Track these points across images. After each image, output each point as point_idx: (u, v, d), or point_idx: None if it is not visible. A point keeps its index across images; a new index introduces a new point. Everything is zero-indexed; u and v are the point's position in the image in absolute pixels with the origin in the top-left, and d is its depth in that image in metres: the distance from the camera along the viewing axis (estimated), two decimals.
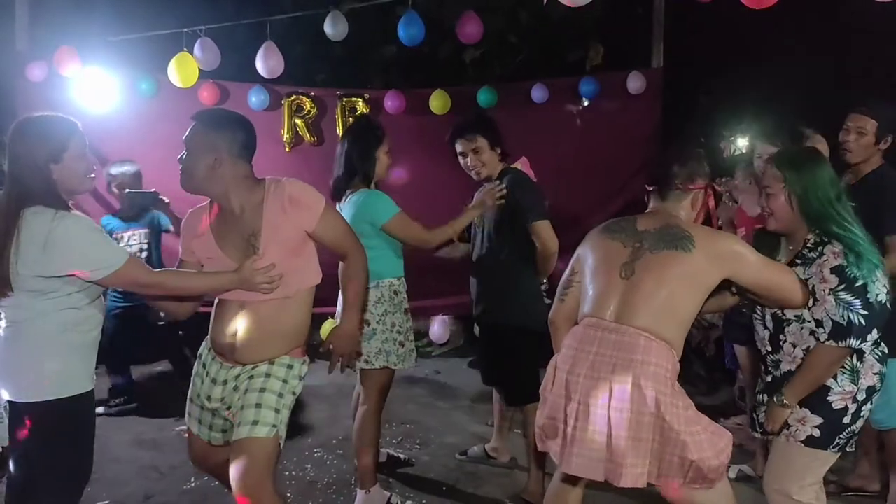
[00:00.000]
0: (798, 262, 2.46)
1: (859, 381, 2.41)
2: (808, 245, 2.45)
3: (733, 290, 2.54)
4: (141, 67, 5.41)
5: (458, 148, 3.59)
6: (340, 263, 2.82)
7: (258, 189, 2.53)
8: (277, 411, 2.52)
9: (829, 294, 2.35)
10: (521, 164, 3.67)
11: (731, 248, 2.40)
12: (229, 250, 2.54)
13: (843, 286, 2.33)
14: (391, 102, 5.65)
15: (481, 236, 3.61)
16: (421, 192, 3.95)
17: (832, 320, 2.35)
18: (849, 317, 2.32)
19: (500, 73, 6.92)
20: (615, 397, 2.25)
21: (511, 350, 3.53)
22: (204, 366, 2.67)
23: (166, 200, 4.44)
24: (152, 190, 4.44)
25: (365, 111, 5.64)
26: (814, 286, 2.39)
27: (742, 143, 8.83)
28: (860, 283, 2.32)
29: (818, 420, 2.41)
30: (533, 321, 3.43)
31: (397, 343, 3.43)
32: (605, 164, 5.84)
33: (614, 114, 5.90)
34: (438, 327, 6.04)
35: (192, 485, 3.72)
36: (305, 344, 2.70)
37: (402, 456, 4.10)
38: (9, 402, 2.45)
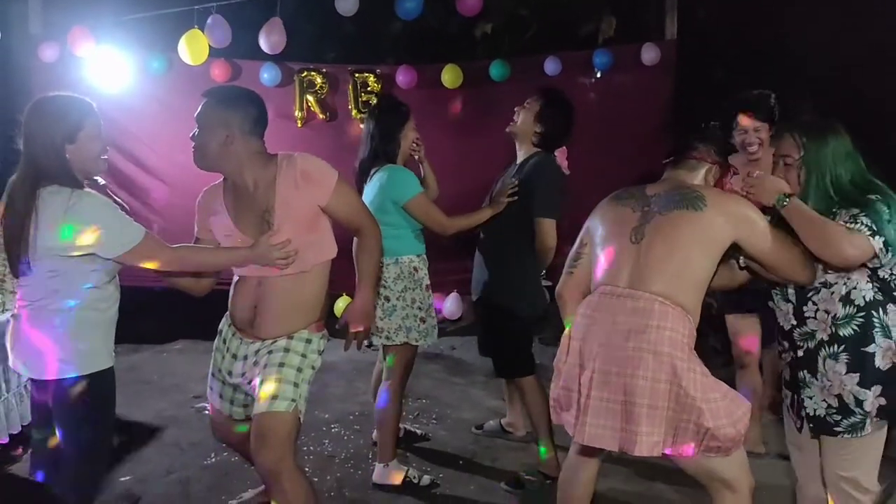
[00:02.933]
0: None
1: (893, 334, 2.33)
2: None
3: (741, 262, 2.49)
4: (153, 46, 5.41)
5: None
6: (354, 240, 2.84)
7: (271, 165, 2.53)
8: (296, 385, 2.54)
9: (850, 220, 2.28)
10: (557, 153, 3.65)
11: (744, 212, 2.35)
12: (245, 227, 2.55)
13: (863, 214, 2.27)
14: (403, 77, 5.62)
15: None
16: (433, 167, 3.94)
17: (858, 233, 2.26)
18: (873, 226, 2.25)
19: (512, 47, 6.85)
20: (630, 364, 2.23)
21: (504, 326, 3.55)
22: (224, 341, 2.70)
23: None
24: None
25: (377, 87, 5.62)
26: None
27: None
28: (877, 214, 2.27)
29: (878, 389, 2.33)
30: (529, 305, 3.53)
31: (418, 319, 3.46)
32: (618, 136, 5.80)
33: (628, 86, 5.85)
34: (451, 304, 6.04)
35: (213, 460, 3.77)
36: (323, 318, 2.72)
37: (418, 431, 4.14)
38: (31, 379, 2.48)
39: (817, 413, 2.41)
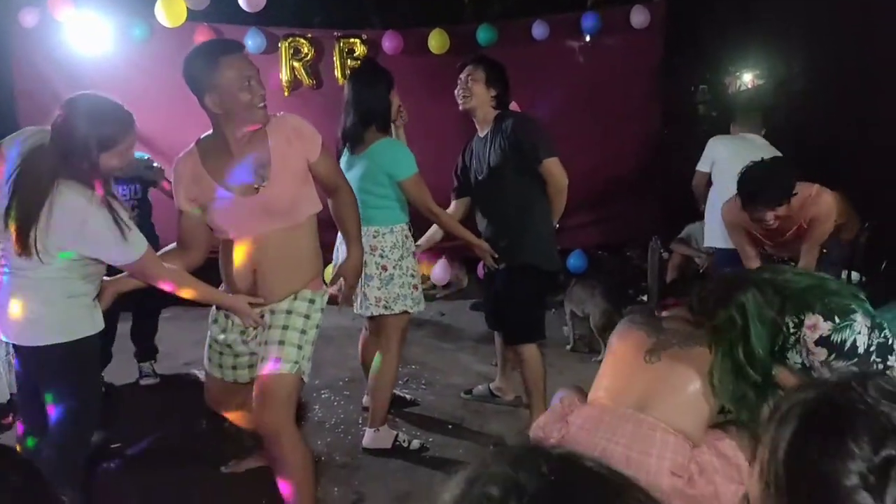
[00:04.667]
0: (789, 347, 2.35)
1: None
2: (791, 329, 2.31)
3: None
4: (134, 10, 5.33)
5: (461, 75, 3.57)
6: (331, 202, 2.88)
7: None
8: (300, 348, 2.57)
9: (823, 366, 2.26)
10: (511, 107, 3.66)
11: None
12: (234, 186, 2.52)
13: (833, 355, 2.24)
14: (389, 43, 5.56)
15: (487, 180, 3.56)
16: (419, 134, 3.91)
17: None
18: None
19: (500, 9, 6.79)
20: None
21: (521, 290, 3.55)
22: (226, 315, 2.70)
23: (157, 166, 4.22)
24: (146, 157, 4.23)
25: (363, 52, 5.56)
26: (808, 364, 2.31)
27: (747, 78, 8.72)
28: (848, 344, 2.22)
29: None
30: (545, 261, 3.54)
31: (412, 287, 3.47)
32: (607, 100, 5.78)
33: (617, 49, 5.81)
34: (440, 270, 6.06)
35: (204, 427, 3.77)
36: (320, 274, 2.75)
37: (408, 396, 4.17)
38: (14, 346, 2.47)
39: None
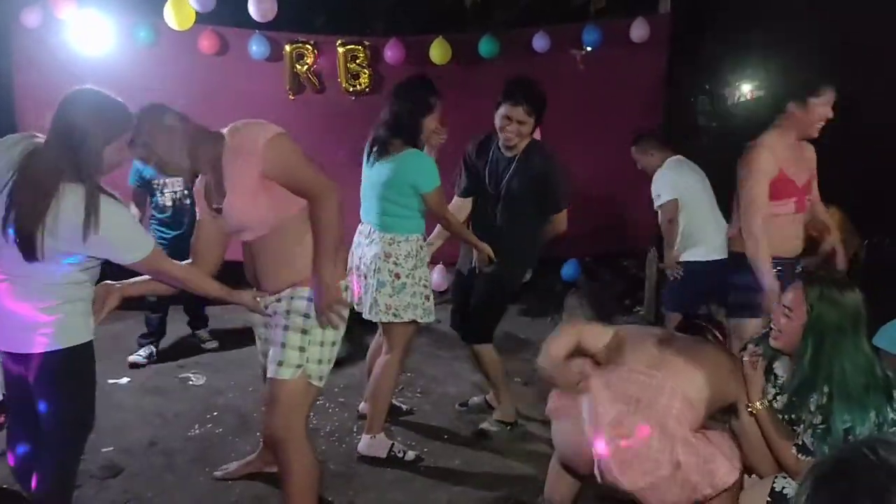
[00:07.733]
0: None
1: None
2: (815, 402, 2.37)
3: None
4: (138, 10, 5.30)
5: (506, 111, 3.52)
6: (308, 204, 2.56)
7: (219, 143, 2.51)
8: (302, 350, 2.56)
9: (809, 428, 2.34)
10: (535, 134, 3.75)
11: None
12: (212, 200, 2.62)
13: (823, 425, 2.30)
14: (391, 53, 5.53)
15: (499, 200, 3.68)
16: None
17: (803, 442, 2.36)
18: (821, 448, 2.30)
19: (501, 18, 6.78)
20: (636, 437, 2.29)
21: (496, 297, 3.79)
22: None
23: None
24: None
25: (366, 58, 5.55)
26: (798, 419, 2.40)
27: (746, 89, 8.72)
28: (847, 426, 2.25)
29: None
30: (518, 276, 3.87)
31: (423, 297, 3.50)
32: (608, 112, 5.77)
33: (619, 62, 5.77)
34: (437, 276, 6.03)
35: (197, 431, 3.77)
36: None
37: (404, 406, 4.15)
38: (5, 353, 2.44)
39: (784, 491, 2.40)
